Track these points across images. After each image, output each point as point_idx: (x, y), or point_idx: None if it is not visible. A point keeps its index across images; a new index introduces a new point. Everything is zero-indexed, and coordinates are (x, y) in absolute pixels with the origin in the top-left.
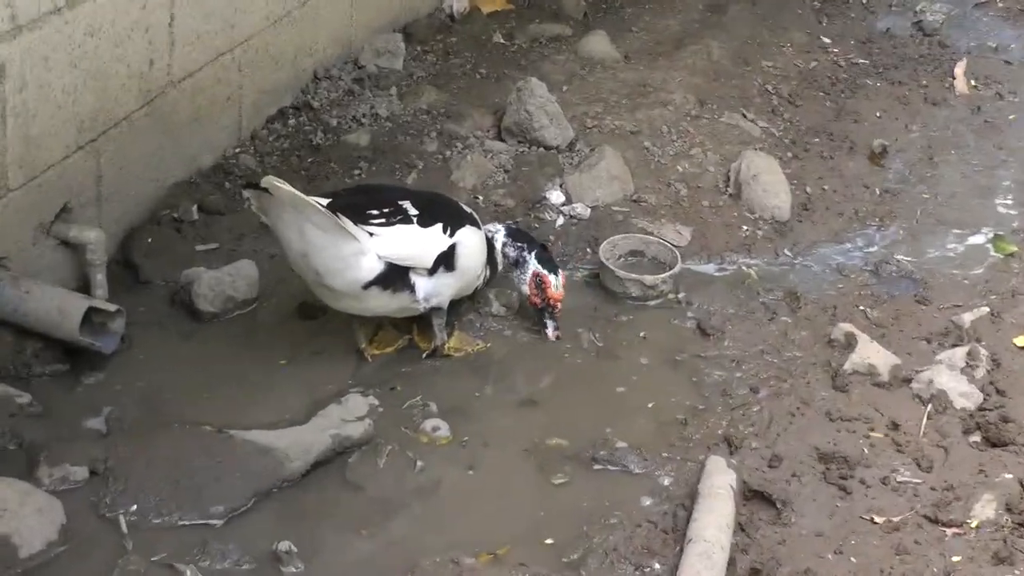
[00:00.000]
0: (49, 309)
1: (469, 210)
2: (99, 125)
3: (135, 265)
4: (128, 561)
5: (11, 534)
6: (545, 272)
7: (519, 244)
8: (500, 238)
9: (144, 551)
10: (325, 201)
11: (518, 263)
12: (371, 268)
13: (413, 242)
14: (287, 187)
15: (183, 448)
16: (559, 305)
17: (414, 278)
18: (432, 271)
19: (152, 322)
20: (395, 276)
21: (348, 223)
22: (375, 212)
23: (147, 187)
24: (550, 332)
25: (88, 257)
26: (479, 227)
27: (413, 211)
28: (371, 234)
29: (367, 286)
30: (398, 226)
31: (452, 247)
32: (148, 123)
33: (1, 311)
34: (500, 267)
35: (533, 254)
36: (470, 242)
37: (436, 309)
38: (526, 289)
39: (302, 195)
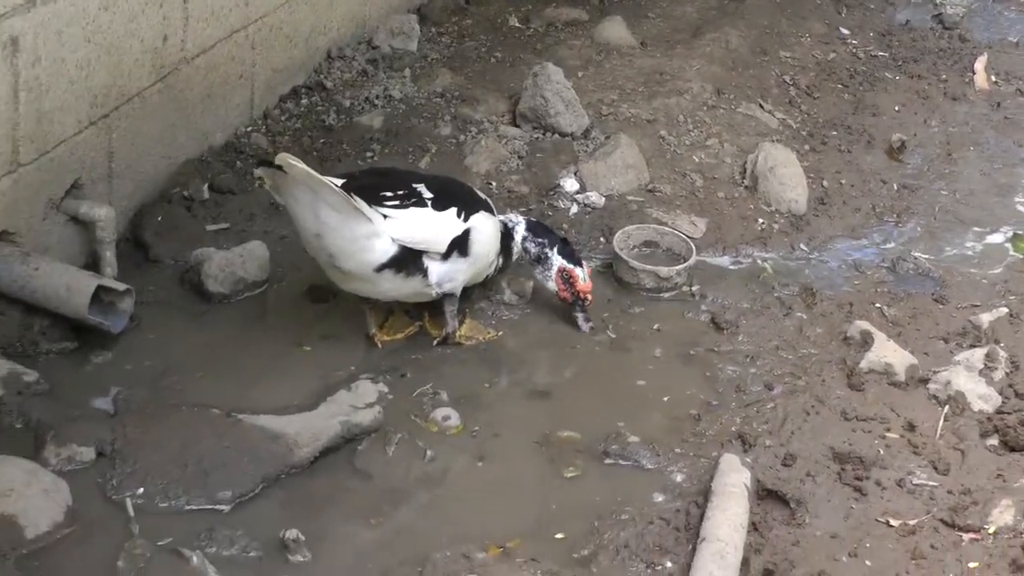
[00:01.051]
0: (57, 286)
1: (483, 196)
2: (112, 101)
3: (145, 244)
4: (134, 545)
5: (17, 515)
6: (571, 266)
7: (540, 240)
8: (520, 231)
9: (150, 535)
10: (340, 181)
11: (540, 259)
12: (384, 251)
13: (427, 225)
14: (302, 165)
15: (191, 431)
16: (590, 297)
17: (427, 262)
18: (446, 256)
19: (161, 302)
20: (408, 259)
21: (363, 204)
22: (389, 194)
23: (158, 164)
24: (583, 325)
25: (98, 234)
26: (493, 213)
27: (428, 194)
28: (385, 216)
29: (380, 269)
30: (412, 209)
31: (466, 232)
32: (161, 100)
33: (9, 288)
34: (514, 256)
35: (555, 249)
36: (484, 228)
37: (448, 296)
38: (553, 286)
39: (317, 174)
